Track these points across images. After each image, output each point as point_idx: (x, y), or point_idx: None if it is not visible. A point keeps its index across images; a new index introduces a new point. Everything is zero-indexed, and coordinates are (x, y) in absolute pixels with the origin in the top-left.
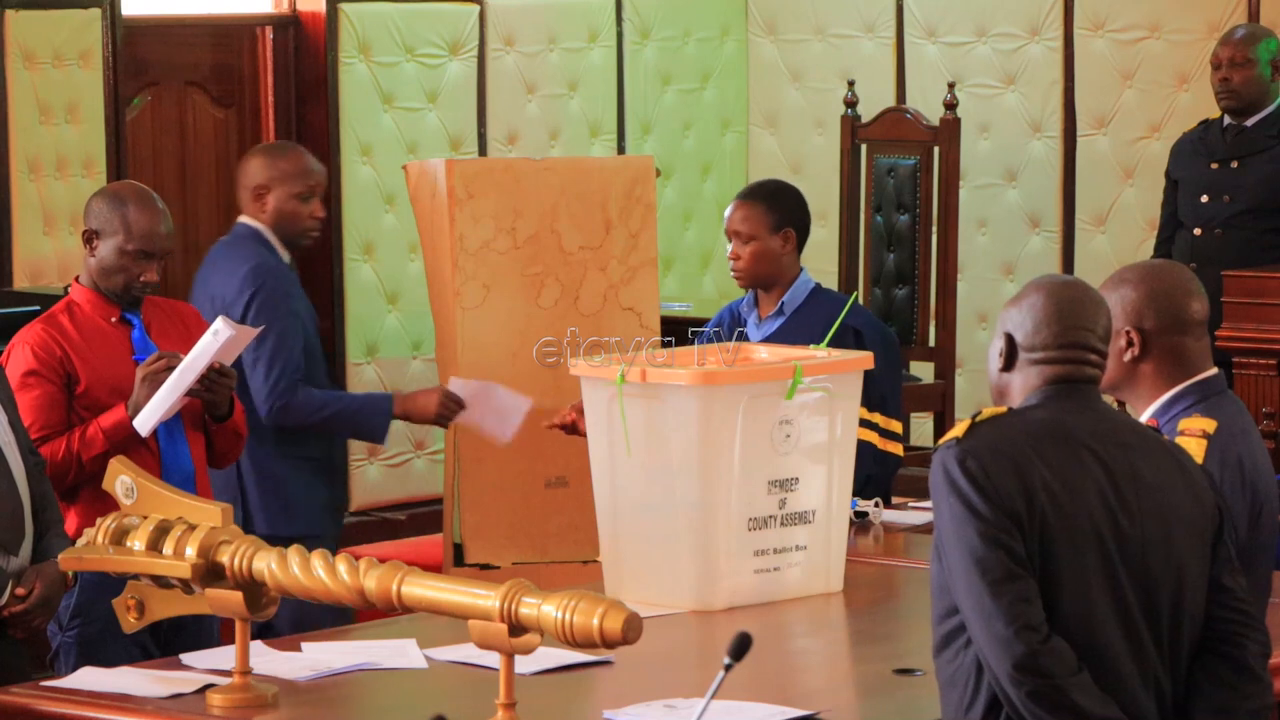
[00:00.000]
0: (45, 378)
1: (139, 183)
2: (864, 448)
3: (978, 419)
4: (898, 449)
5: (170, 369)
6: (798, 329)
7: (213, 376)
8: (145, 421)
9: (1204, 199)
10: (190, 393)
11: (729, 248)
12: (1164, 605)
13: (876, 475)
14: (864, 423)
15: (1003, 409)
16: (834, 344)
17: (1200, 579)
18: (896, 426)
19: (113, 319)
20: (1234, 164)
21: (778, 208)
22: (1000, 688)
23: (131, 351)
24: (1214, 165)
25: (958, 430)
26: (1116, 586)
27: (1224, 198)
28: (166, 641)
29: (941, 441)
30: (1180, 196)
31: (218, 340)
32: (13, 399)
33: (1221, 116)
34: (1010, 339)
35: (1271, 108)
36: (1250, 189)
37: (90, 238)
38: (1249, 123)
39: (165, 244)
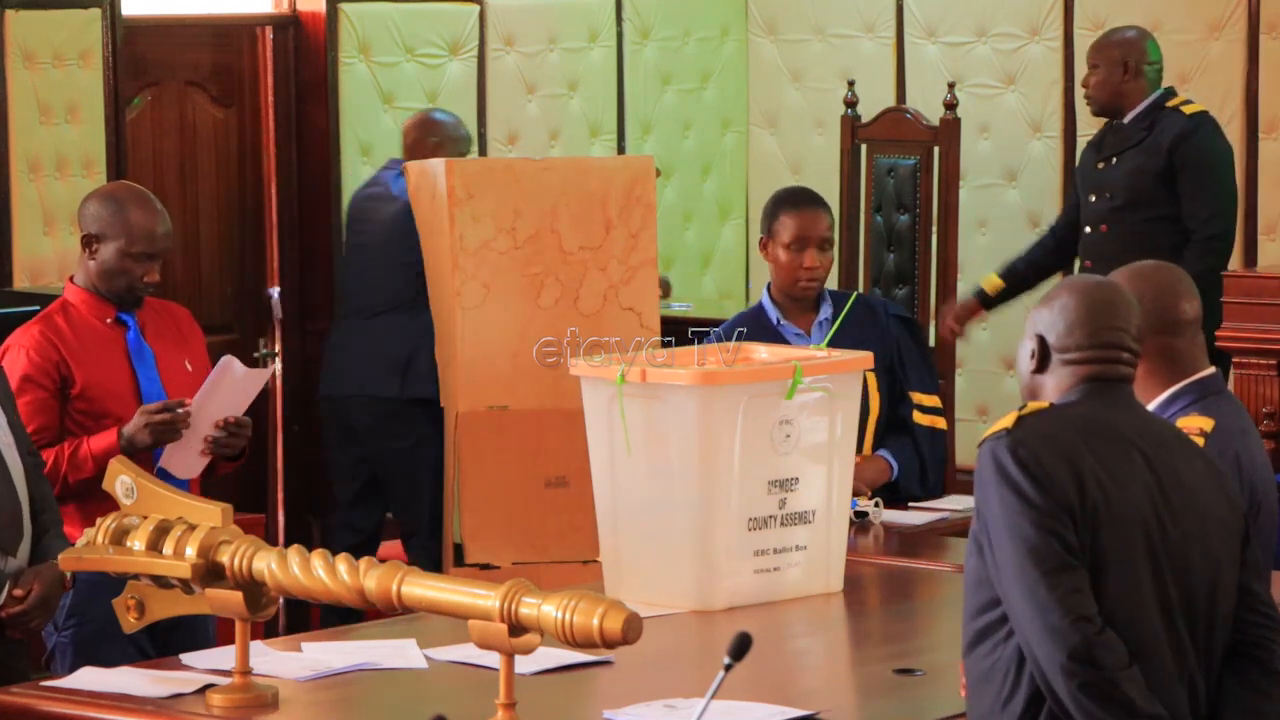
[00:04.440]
0: (38, 383)
1: (132, 183)
2: (937, 435)
3: (1024, 411)
4: (941, 423)
5: (174, 420)
6: (844, 333)
7: (231, 429)
8: (174, 465)
9: (1092, 198)
10: (214, 449)
11: None
12: (1201, 605)
13: (940, 455)
14: (932, 410)
15: (1045, 404)
16: (886, 337)
17: (1232, 581)
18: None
19: (108, 319)
20: (1113, 160)
21: None
22: (1045, 681)
23: (126, 352)
24: (1100, 165)
25: (1006, 421)
26: (1161, 583)
27: (1106, 195)
28: (163, 642)
29: (989, 433)
30: (1080, 197)
31: (229, 375)
32: (12, 399)
33: (1113, 118)
34: (1043, 340)
35: (1144, 105)
36: (1122, 183)
37: (90, 242)
38: (1126, 120)
39: (166, 243)
